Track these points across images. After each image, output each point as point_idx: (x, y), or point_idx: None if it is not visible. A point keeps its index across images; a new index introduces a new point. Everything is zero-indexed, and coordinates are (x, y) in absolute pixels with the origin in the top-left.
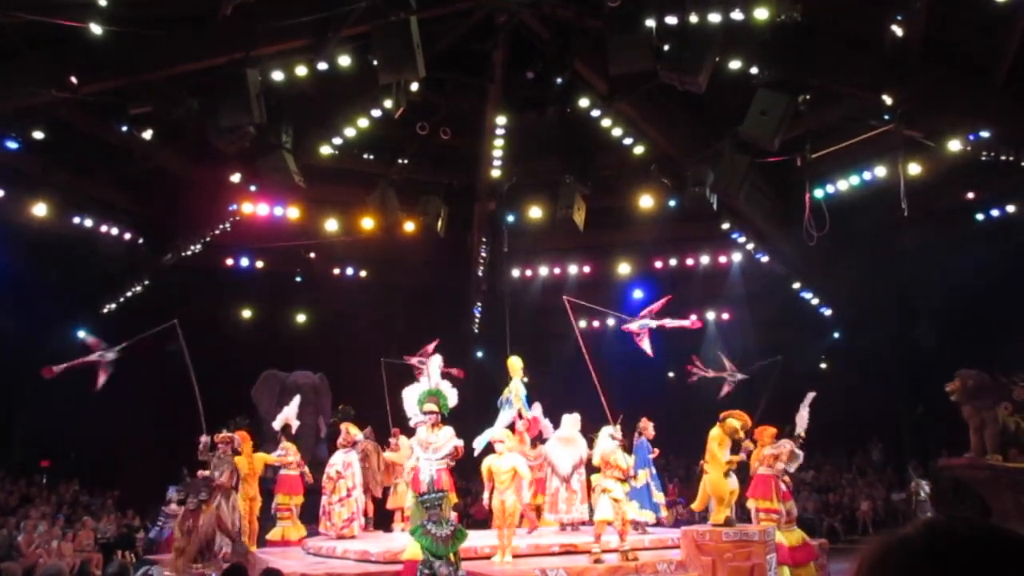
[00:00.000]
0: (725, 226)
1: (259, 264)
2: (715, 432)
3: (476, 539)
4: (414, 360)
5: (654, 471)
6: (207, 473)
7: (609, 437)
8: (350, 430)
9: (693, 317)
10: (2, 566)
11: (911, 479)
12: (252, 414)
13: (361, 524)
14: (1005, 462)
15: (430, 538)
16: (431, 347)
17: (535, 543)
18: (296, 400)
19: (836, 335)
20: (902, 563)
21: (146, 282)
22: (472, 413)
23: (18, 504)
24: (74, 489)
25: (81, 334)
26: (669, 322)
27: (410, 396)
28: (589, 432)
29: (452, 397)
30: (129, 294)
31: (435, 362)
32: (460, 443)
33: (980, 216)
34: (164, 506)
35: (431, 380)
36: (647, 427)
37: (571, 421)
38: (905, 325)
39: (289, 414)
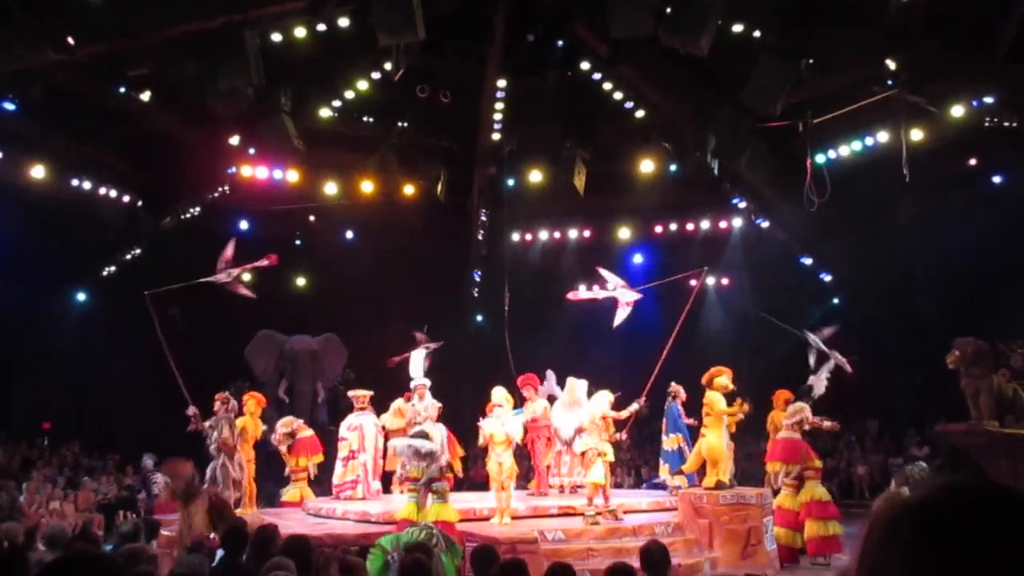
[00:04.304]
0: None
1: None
2: (710, 395)
3: (475, 501)
4: (422, 342)
5: (687, 436)
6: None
7: (603, 400)
8: (359, 394)
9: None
10: (3, 526)
11: (906, 451)
12: (251, 376)
13: (376, 489)
14: (1002, 428)
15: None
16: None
17: (534, 505)
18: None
19: (835, 301)
20: (919, 523)
21: (146, 246)
22: (471, 379)
23: (20, 466)
24: (75, 451)
25: (81, 296)
26: (611, 294)
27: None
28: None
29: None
30: (128, 257)
31: (417, 359)
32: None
33: (982, 183)
34: (144, 471)
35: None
36: (679, 391)
37: (575, 386)
38: (905, 292)
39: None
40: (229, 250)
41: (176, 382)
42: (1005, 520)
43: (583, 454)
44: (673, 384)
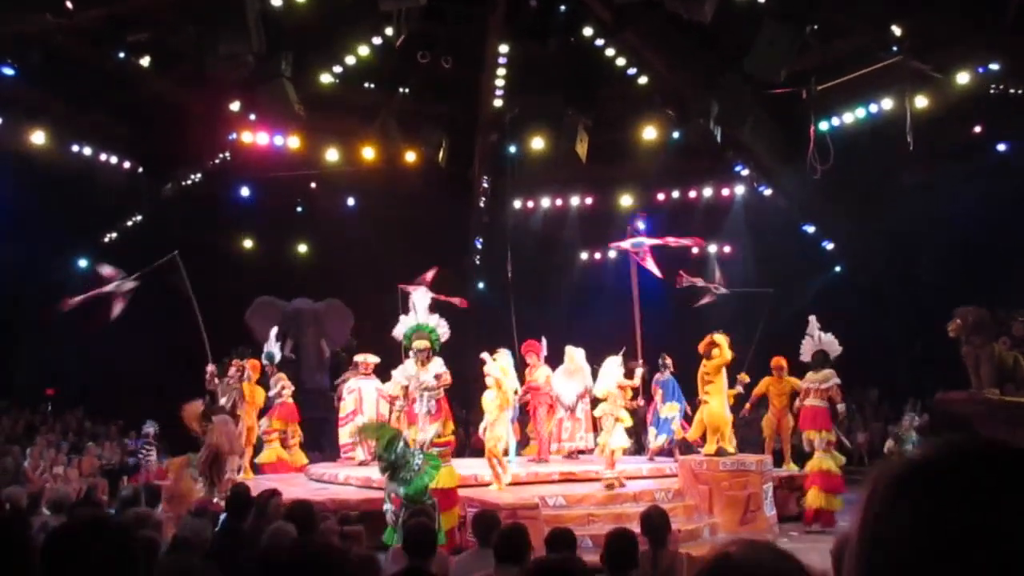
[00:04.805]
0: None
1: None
2: (708, 362)
3: (477, 467)
4: (412, 289)
5: (684, 404)
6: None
7: (615, 367)
8: (368, 359)
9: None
10: (7, 491)
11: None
12: (253, 342)
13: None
14: (1002, 396)
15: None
16: (429, 275)
17: (535, 471)
18: (274, 332)
19: (837, 269)
20: (922, 482)
21: (147, 212)
22: (473, 344)
23: (24, 432)
24: (79, 417)
25: (84, 263)
26: (672, 240)
27: (399, 328)
28: (597, 365)
29: (443, 330)
30: (129, 224)
31: (420, 297)
32: (445, 372)
33: (986, 151)
34: (143, 439)
35: (417, 315)
36: (668, 361)
37: (574, 354)
38: (907, 260)
39: (272, 346)
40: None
41: (182, 346)
42: (1008, 475)
43: (594, 421)
44: (664, 355)
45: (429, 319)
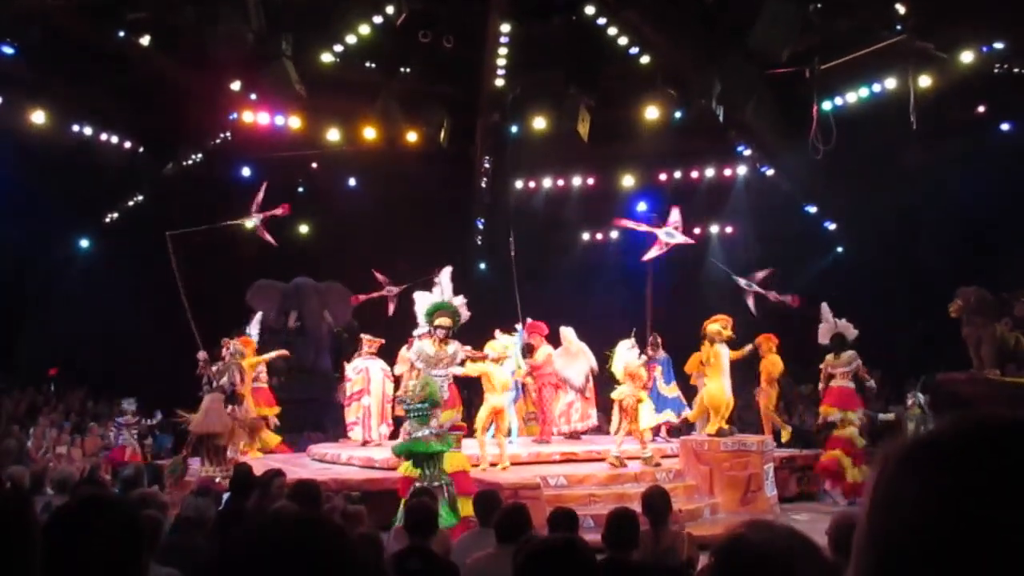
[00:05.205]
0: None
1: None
2: (712, 346)
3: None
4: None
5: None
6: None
7: (628, 350)
8: (374, 339)
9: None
10: (10, 470)
11: (908, 394)
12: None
13: (382, 434)
14: (1003, 377)
15: (407, 442)
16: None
17: (537, 451)
18: (258, 316)
19: (839, 250)
20: (934, 459)
21: (147, 192)
22: (475, 327)
23: (26, 412)
24: (81, 397)
25: (84, 242)
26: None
27: (422, 303)
28: (601, 346)
29: (466, 312)
30: (131, 204)
31: (447, 274)
32: (461, 352)
33: (990, 131)
34: (119, 417)
35: (443, 293)
36: (659, 340)
37: (568, 334)
38: (910, 241)
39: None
40: (260, 195)
41: (185, 326)
42: (1018, 450)
43: (620, 402)
44: (655, 335)
45: (454, 298)
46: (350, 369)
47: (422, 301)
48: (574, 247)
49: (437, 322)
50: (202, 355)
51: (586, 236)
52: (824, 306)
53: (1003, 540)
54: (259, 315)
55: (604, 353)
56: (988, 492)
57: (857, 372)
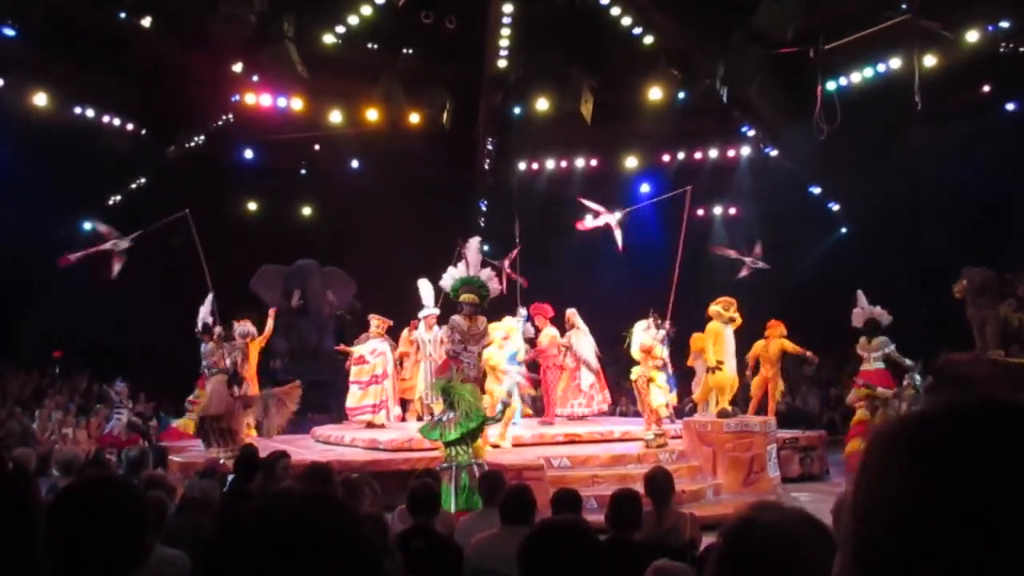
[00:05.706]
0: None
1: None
2: (712, 326)
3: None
4: None
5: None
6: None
7: (644, 331)
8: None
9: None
10: (16, 452)
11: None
12: (258, 307)
13: (397, 415)
14: (1007, 358)
15: (434, 428)
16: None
17: (540, 433)
18: (209, 298)
19: (843, 230)
20: (918, 439)
21: (150, 174)
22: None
23: (31, 395)
24: (86, 379)
25: (89, 225)
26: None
27: (426, 286)
28: (604, 327)
29: (494, 285)
30: (134, 186)
31: (474, 245)
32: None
33: (995, 111)
34: (118, 396)
35: (470, 267)
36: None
37: (574, 316)
38: (914, 221)
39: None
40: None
41: (189, 307)
42: (1003, 430)
43: (635, 382)
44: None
45: (480, 272)
46: (366, 351)
47: (447, 278)
48: (576, 229)
49: (463, 298)
50: (218, 330)
51: (589, 218)
52: (860, 293)
53: (985, 518)
54: (210, 296)
55: (622, 334)
56: (972, 470)
57: (891, 356)
